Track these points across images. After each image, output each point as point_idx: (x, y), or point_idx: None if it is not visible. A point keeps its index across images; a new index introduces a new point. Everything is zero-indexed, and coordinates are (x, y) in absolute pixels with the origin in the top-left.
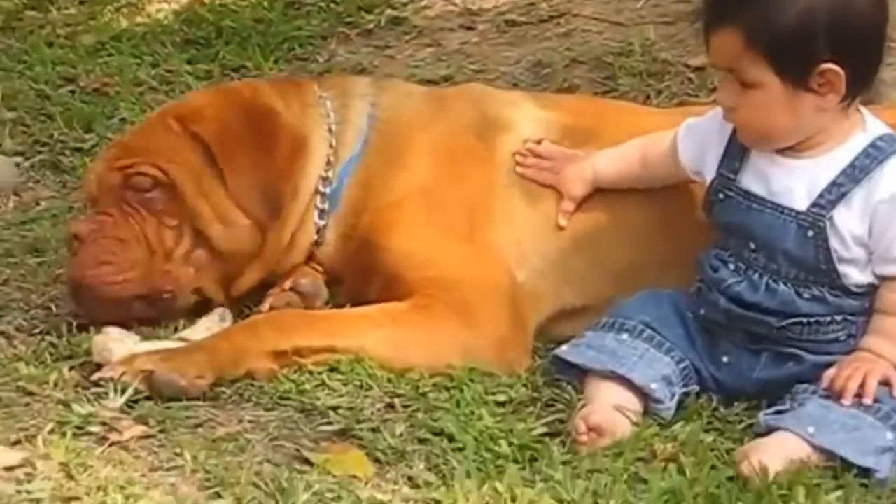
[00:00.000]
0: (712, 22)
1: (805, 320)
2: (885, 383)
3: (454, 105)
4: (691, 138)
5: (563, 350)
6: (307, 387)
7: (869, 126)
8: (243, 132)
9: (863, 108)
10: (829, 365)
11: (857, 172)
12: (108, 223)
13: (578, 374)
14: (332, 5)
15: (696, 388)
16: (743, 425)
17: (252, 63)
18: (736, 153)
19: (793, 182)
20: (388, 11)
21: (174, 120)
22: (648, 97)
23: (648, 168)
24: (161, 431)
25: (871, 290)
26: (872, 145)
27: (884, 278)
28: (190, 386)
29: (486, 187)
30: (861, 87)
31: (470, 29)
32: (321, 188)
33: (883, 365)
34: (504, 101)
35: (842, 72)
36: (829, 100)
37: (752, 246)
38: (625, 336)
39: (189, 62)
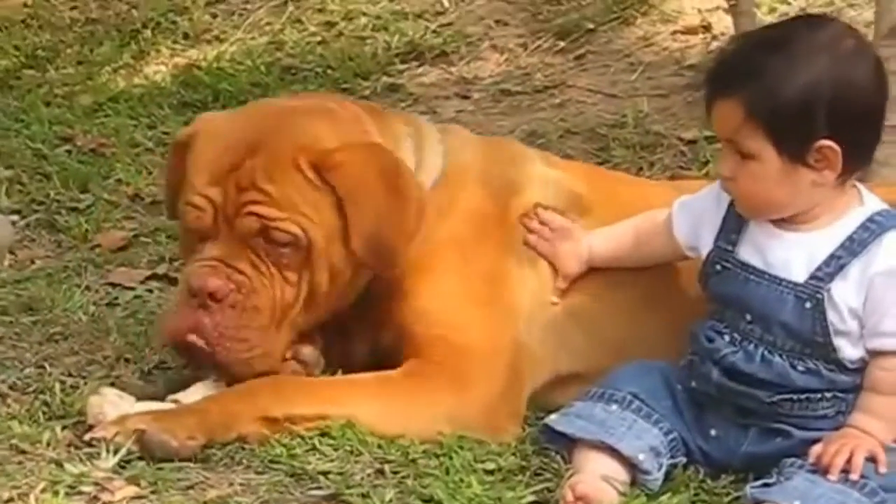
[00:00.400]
0: (715, 92)
1: (796, 396)
2: (872, 460)
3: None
4: (686, 214)
5: (553, 419)
6: (298, 451)
7: (866, 201)
8: (377, 188)
9: (860, 184)
10: (816, 440)
11: (855, 246)
12: (245, 286)
13: (567, 444)
14: (329, 71)
15: (683, 459)
16: (730, 498)
17: None
18: (733, 226)
19: (791, 254)
20: (384, 78)
21: (310, 167)
22: (641, 169)
23: (641, 247)
24: (153, 492)
25: (863, 367)
26: (870, 220)
27: (873, 353)
28: (181, 447)
29: (507, 248)
30: (858, 164)
31: (465, 97)
32: None
33: (870, 441)
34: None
35: (839, 149)
36: (826, 176)
37: (749, 317)
38: (614, 407)
39: (185, 124)
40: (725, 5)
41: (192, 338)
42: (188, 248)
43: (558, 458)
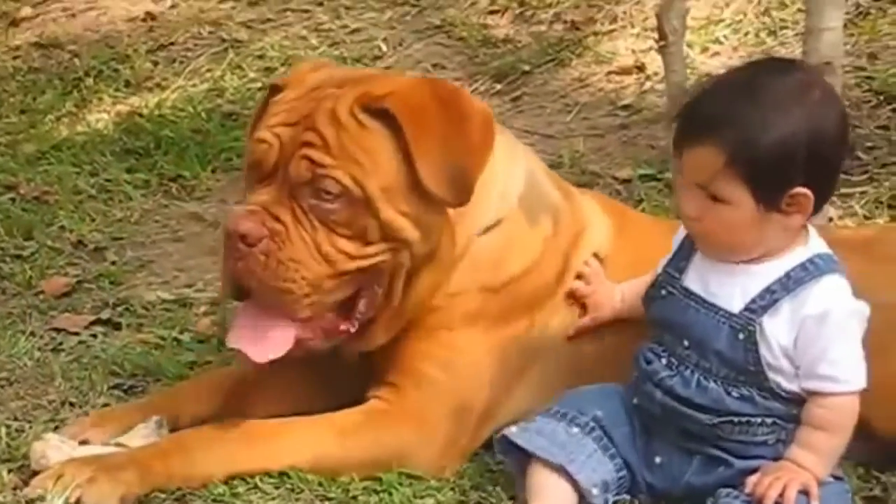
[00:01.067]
0: (691, 137)
1: (735, 419)
2: (806, 493)
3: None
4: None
5: (513, 432)
6: (240, 490)
7: (811, 243)
8: (434, 112)
9: (809, 225)
10: (755, 471)
11: (790, 283)
12: (280, 235)
13: (521, 458)
14: None
15: (626, 498)
16: None
17: (189, 172)
18: (684, 254)
19: (729, 285)
20: None
21: (362, 110)
22: None
23: None
24: None
25: (798, 398)
26: (810, 261)
27: (810, 393)
28: None
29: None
30: (821, 207)
31: None
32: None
33: (804, 476)
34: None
35: (812, 196)
36: (795, 220)
37: (686, 343)
38: (576, 430)
39: (128, 171)
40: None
41: (239, 270)
42: (245, 193)
43: (496, 491)
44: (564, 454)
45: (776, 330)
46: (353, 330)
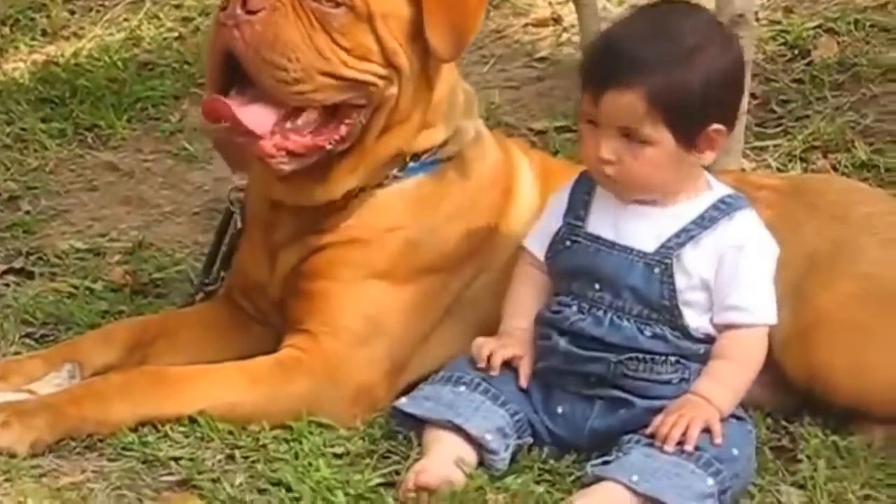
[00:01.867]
0: (610, 81)
1: (642, 356)
2: (708, 431)
3: None
4: (538, 239)
5: (402, 402)
6: (150, 438)
7: (715, 186)
8: None
9: (706, 172)
10: (659, 410)
11: (706, 221)
12: (280, 9)
13: (416, 426)
14: (185, 66)
15: (529, 440)
16: (573, 477)
17: (105, 122)
18: (579, 202)
19: (642, 228)
20: None
21: None
22: None
23: (541, 294)
24: (6, 480)
25: (709, 340)
26: (721, 201)
27: (720, 327)
28: (28, 452)
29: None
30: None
31: None
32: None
33: (707, 411)
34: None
35: (725, 130)
36: (707, 157)
37: (598, 286)
38: (462, 388)
39: (43, 120)
40: None
41: (234, 37)
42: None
43: (405, 441)
44: (451, 411)
45: (696, 260)
46: (328, 146)
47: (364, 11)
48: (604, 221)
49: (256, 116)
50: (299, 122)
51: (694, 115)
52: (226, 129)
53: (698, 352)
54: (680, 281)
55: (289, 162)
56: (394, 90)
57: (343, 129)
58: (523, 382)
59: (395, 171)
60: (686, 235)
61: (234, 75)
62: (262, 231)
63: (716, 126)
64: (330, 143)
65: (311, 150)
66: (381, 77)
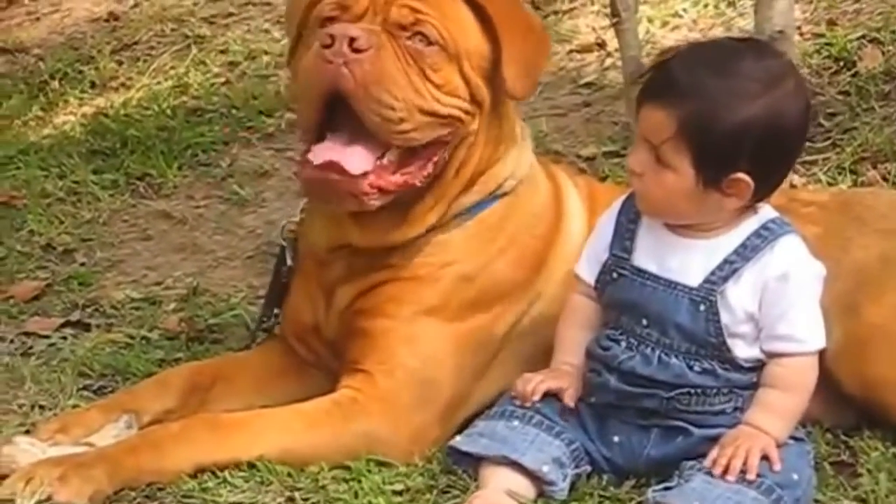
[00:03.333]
0: (652, 96)
1: (693, 390)
2: (766, 458)
3: None
4: (590, 265)
5: (457, 441)
6: (210, 484)
7: (760, 210)
8: (520, 15)
9: None
10: (715, 438)
11: (748, 251)
12: (385, 48)
13: (473, 463)
14: (234, 111)
15: (588, 468)
16: (633, 503)
17: (156, 171)
18: (625, 233)
19: (686, 260)
20: (288, 115)
21: None
22: None
23: (593, 325)
24: None
25: (758, 366)
26: (764, 227)
27: (770, 354)
28: None
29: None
30: (764, 195)
31: None
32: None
33: (763, 440)
34: None
35: (752, 184)
36: (732, 202)
37: (645, 322)
38: (515, 423)
39: (95, 172)
40: None
41: (343, 75)
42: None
43: (465, 475)
44: (506, 446)
45: (740, 296)
46: (419, 183)
47: (454, 49)
48: (648, 253)
49: (354, 157)
50: (386, 160)
51: (722, 158)
52: (322, 169)
53: (750, 381)
54: (725, 317)
55: (379, 199)
56: (475, 126)
57: (430, 167)
58: (569, 401)
59: (466, 208)
60: (729, 268)
61: (329, 115)
62: (316, 270)
63: (741, 175)
64: (420, 181)
65: (400, 188)
66: (466, 113)
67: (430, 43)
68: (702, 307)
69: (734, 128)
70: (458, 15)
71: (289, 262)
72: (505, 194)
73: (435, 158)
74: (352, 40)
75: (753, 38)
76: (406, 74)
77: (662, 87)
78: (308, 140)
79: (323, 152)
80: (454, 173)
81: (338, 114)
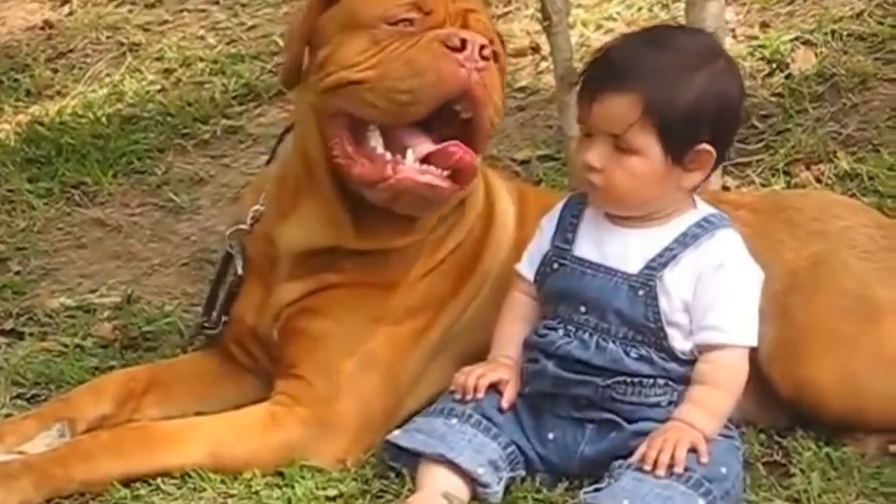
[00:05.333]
0: (607, 86)
1: (629, 380)
2: (694, 451)
3: None
4: (530, 263)
5: (395, 435)
6: (142, 492)
7: (699, 205)
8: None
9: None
10: (647, 433)
11: (688, 239)
12: (492, 63)
13: (410, 460)
14: (169, 118)
15: (522, 472)
16: None
17: (91, 178)
18: (567, 226)
19: (626, 248)
20: (224, 121)
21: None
22: None
23: (533, 319)
24: None
25: (695, 361)
26: (705, 219)
27: (700, 348)
28: None
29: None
30: (714, 169)
31: None
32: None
33: (691, 434)
34: None
35: (714, 153)
36: (694, 177)
37: (583, 309)
38: (454, 421)
39: (29, 181)
40: None
41: (477, 81)
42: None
43: (398, 480)
44: (443, 444)
45: (677, 283)
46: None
47: (503, 67)
48: (589, 243)
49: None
50: None
51: (686, 130)
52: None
53: (685, 374)
54: (663, 303)
55: (449, 187)
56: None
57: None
58: (505, 404)
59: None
60: (669, 254)
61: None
62: (262, 271)
63: (706, 146)
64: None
65: (451, 195)
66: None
67: (495, 59)
68: (640, 292)
69: (693, 99)
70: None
71: (239, 270)
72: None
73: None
74: (482, 47)
75: (676, 24)
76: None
77: (616, 75)
78: (379, 143)
79: (441, 155)
80: None
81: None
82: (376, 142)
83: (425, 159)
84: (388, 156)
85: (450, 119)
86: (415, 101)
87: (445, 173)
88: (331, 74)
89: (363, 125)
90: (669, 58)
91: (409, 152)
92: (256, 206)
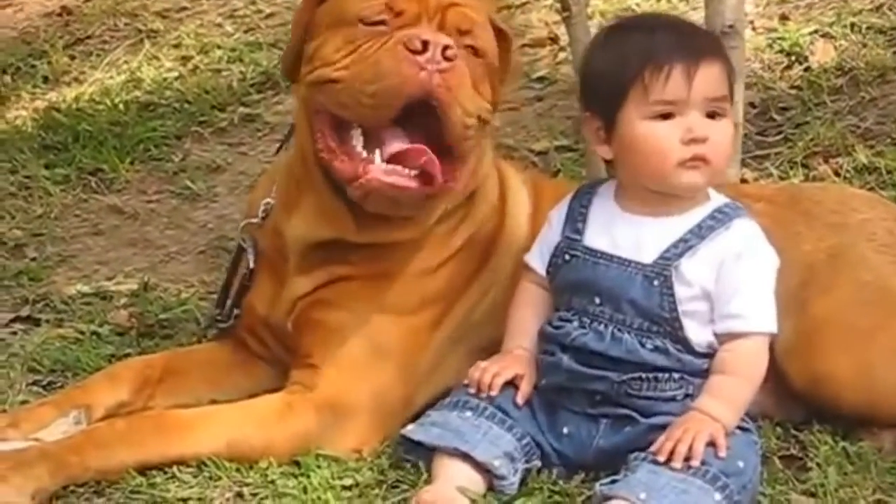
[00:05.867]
0: (702, 55)
1: (645, 375)
2: (713, 444)
3: None
4: (539, 255)
5: (409, 429)
6: (158, 480)
7: (713, 196)
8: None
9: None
10: (664, 427)
11: (703, 231)
12: (463, 61)
13: (425, 453)
14: (186, 105)
15: (538, 463)
16: (582, 497)
17: (108, 165)
18: (577, 216)
19: (640, 238)
20: (241, 109)
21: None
22: None
23: (544, 310)
24: None
25: (711, 353)
26: (718, 210)
27: (721, 337)
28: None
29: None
30: None
31: None
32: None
33: (710, 426)
34: None
35: None
36: None
37: (598, 300)
38: (468, 414)
39: (46, 167)
40: None
41: (439, 83)
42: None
43: (413, 470)
44: (458, 438)
45: (695, 270)
46: (459, 188)
47: (492, 64)
48: (601, 234)
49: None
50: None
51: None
52: (401, 173)
53: (702, 367)
54: (680, 291)
55: (426, 204)
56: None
57: (464, 171)
58: (521, 400)
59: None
60: (684, 246)
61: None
62: (274, 264)
63: None
64: (458, 185)
65: (444, 192)
66: (490, 117)
67: (477, 55)
68: (655, 282)
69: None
70: (489, 32)
71: (251, 264)
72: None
73: (468, 163)
74: (444, 48)
75: None
76: (472, 83)
77: (705, 45)
78: (349, 149)
79: (416, 152)
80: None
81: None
82: (357, 139)
83: (393, 159)
84: (364, 154)
85: (425, 118)
86: (378, 105)
87: (413, 173)
88: (315, 70)
89: (346, 121)
90: (700, 31)
91: (377, 152)
92: (267, 199)
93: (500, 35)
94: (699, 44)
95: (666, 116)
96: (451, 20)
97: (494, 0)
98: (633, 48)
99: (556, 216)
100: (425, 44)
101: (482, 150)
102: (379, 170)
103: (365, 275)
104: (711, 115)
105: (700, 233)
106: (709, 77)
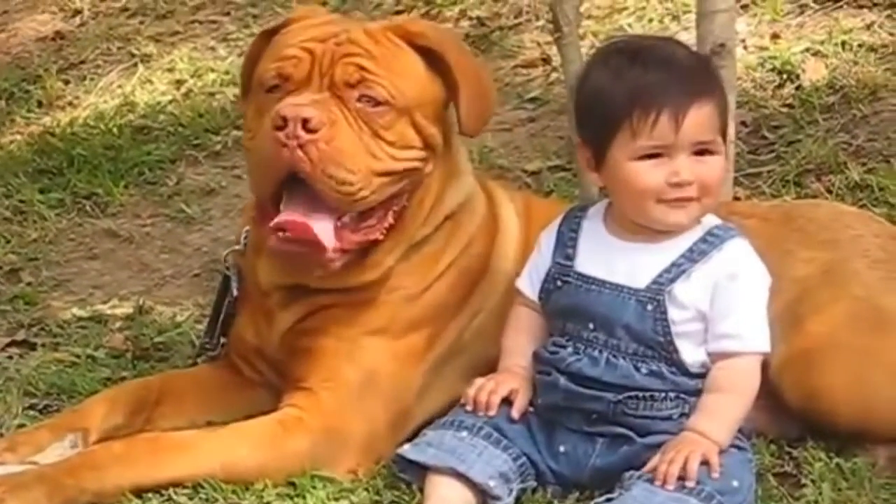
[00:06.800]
0: (694, 96)
1: (641, 394)
2: (706, 464)
3: None
4: (531, 279)
5: (405, 449)
6: (153, 501)
7: (704, 218)
8: (468, 58)
9: None
10: (659, 446)
11: (695, 255)
12: (338, 122)
13: (420, 473)
14: (180, 129)
15: (533, 483)
16: None
17: (103, 189)
18: (567, 241)
19: (633, 264)
20: (235, 132)
21: (400, 38)
22: None
23: (540, 334)
24: None
25: (705, 373)
26: (709, 233)
27: (714, 356)
28: None
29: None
30: None
31: None
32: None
33: (704, 445)
34: None
35: None
36: None
37: (592, 326)
38: (464, 434)
39: (41, 191)
40: None
41: (300, 158)
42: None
43: (409, 490)
44: (454, 457)
45: (689, 292)
46: (380, 237)
47: (403, 104)
48: (593, 259)
49: (321, 227)
50: (345, 220)
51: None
52: (290, 240)
53: (696, 387)
54: (674, 314)
55: (341, 259)
56: (430, 168)
57: (390, 217)
58: (516, 414)
59: (417, 241)
60: (677, 270)
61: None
62: (259, 294)
63: None
64: (381, 234)
65: (362, 245)
66: (421, 160)
67: (377, 104)
68: (649, 307)
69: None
70: (406, 66)
71: (234, 292)
72: (449, 216)
73: (395, 208)
74: (305, 121)
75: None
76: (360, 141)
77: (698, 85)
78: (265, 209)
79: (291, 224)
80: (412, 215)
81: (292, 183)
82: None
83: (278, 227)
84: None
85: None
86: (260, 182)
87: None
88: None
89: None
90: (694, 63)
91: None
92: (247, 227)
93: (435, 56)
94: (692, 83)
95: (654, 155)
96: (339, 77)
97: (419, 21)
98: (624, 86)
99: (546, 241)
100: (284, 119)
101: (443, 180)
102: (272, 237)
103: (347, 303)
104: (701, 153)
105: (692, 256)
106: (699, 120)
